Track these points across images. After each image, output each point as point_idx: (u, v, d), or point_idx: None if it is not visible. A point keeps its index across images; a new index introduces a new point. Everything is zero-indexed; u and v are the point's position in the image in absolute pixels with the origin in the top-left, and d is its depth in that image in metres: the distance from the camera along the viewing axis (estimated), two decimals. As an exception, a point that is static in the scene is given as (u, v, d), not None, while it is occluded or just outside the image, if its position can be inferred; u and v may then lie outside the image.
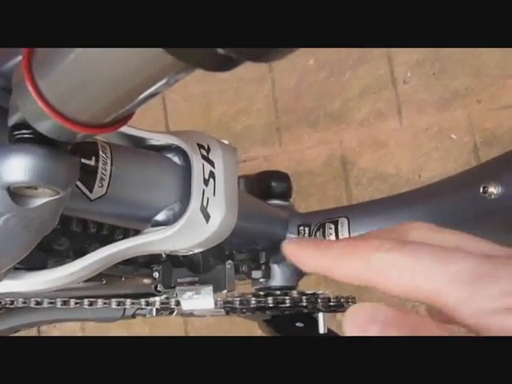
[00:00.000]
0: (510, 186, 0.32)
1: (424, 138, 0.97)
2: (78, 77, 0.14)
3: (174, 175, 0.29)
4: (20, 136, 0.17)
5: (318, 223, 0.52)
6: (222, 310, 0.42)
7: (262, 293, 0.48)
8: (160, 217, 0.29)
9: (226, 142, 0.44)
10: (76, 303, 0.51)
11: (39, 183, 0.17)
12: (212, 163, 0.29)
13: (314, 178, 1.00)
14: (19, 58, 0.19)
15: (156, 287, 0.45)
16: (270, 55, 0.11)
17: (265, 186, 0.55)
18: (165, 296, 0.48)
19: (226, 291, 0.41)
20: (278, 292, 0.48)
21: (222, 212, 0.28)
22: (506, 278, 0.16)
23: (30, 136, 0.17)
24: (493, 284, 0.16)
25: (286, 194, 0.56)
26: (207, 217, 0.28)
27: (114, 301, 0.50)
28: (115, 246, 0.28)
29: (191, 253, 0.30)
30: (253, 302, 0.45)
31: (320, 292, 0.48)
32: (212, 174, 0.29)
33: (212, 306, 0.40)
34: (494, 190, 0.33)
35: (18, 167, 0.17)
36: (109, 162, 0.26)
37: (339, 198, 0.97)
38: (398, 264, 0.17)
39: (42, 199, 0.19)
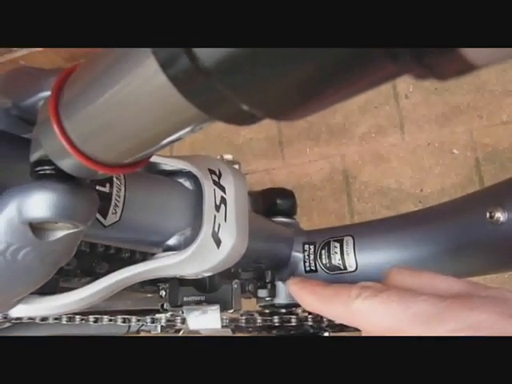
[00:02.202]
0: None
1: (425, 153, 0.97)
2: (103, 120, 0.14)
3: (185, 200, 0.29)
4: (42, 172, 0.18)
5: (323, 242, 0.52)
6: (229, 329, 0.42)
7: (267, 311, 0.48)
8: (172, 241, 0.29)
9: (230, 156, 0.44)
10: (81, 319, 0.51)
11: (61, 219, 0.18)
12: (223, 189, 0.29)
13: (315, 191, 1.00)
14: (42, 94, 0.19)
15: (162, 305, 0.45)
16: (289, 116, 0.11)
17: (270, 203, 0.56)
18: (170, 313, 0.48)
19: (232, 311, 0.42)
20: (284, 310, 0.48)
21: (233, 238, 0.28)
22: (454, 318, 0.19)
23: (52, 172, 0.17)
24: (442, 324, 0.19)
25: (290, 212, 0.56)
26: (218, 242, 0.28)
27: (119, 317, 0.50)
28: (127, 270, 0.28)
29: (200, 277, 0.30)
30: (259, 320, 0.45)
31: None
32: (223, 200, 0.29)
33: (219, 325, 0.40)
34: (500, 215, 0.33)
35: (41, 204, 0.17)
36: (122, 188, 0.26)
37: (341, 212, 0.97)
38: (372, 310, 0.21)
39: (61, 232, 0.19)
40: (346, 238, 0.51)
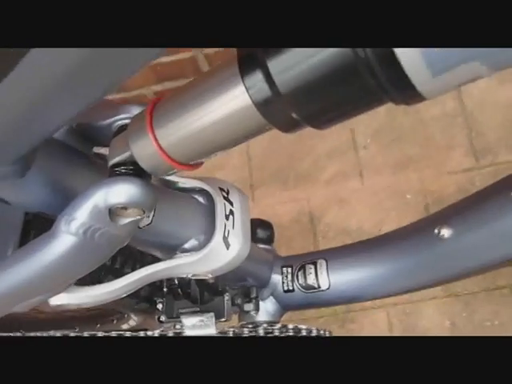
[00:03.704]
0: (459, 228, 0.40)
1: (383, 197, 1.08)
2: (189, 132, 0.21)
3: (200, 212, 0.36)
4: (124, 171, 0.24)
5: (299, 264, 0.59)
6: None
7: (250, 326, 0.54)
8: (187, 245, 0.35)
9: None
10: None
11: (136, 205, 0.24)
12: (231, 203, 0.36)
13: (283, 231, 1.08)
14: (118, 117, 0.26)
15: (159, 318, 0.50)
16: (324, 126, 0.19)
17: (251, 232, 0.62)
18: (162, 329, 0.53)
19: (224, 319, 0.47)
20: (265, 325, 0.54)
21: (240, 241, 0.35)
22: None
23: (130, 171, 0.24)
24: None
25: (269, 240, 0.63)
26: (228, 245, 0.35)
27: (114, 334, 0.54)
28: (152, 267, 0.34)
29: (211, 276, 0.36)
30: (245, 331, 0.50)
31: (302, 326, 0.55)
32: (231, 212, 0.36)
33: (214, 331, 0.45)
34: (446, 231, 0.42)
35: (124, 192, 0.23)
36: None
37: (307, 249, 1.04)
38: None
39: (128, 219, 0.25)
40: (319, 261, 0.58)
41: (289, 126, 0.19)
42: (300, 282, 0.57)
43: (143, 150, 0.23)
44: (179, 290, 0.50)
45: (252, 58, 0.18)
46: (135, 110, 0.26)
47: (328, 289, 0.55)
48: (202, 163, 0.24)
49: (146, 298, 0.52)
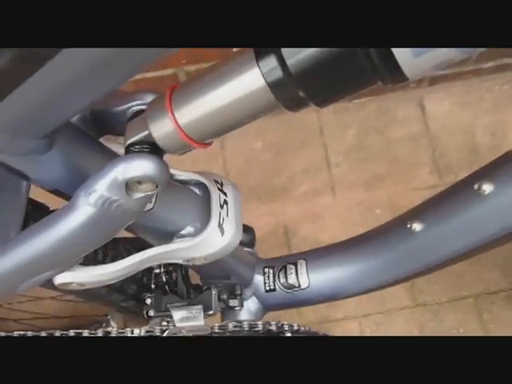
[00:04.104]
0: (429, 221, 0.45)
1: (354, 212, 1.13)
2: (206, 112, 0.24)
3: (196, 202, 0.39)
4: (141, 149, 0.27)
5: (281, 265, 0.62)
6: (208, 328, 0.49)
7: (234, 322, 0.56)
8: (184, 231, 0.38)
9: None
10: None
11: (152, 178, 0.26)
12: (225, 193, 0.39)
13: (260, 243, 1.11)
14: (133, 103, 0.29)
15: (147, 313, 0.51)
16: (325, 103, 0.22)
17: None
18: (148, 327, 0.54)
19: (212, 312, 0.49)
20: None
21: (233, 228, 0.38)
22: None
23: (147, 149, 0.26)
24: None
25: (251, 243, 0.66)
26: (222, 231, 0.38)
27: (100, 331, 0.55)
28: (153, 250, 0.36)
29: (207, 262, 0.39)
30: (231, 326, 0.52)
31: (284, 322, 0.57)
32: (225, 201, 0.39)
33: (202, 322, 0.47)
34: (417, 225, 0.46)
35: (141, 167, 0.26)
36: (156, 185, 0.35)
37: (283, 263, 1.08)
38: None
39: (141, 194, 0.27)
40: (299, 261, 0.61)
41: (296, 105, 0.23)
42: (281, 281, 0.60)
43: (162, 128, 0.26)
44: (166, 286, 0.52)
45: (266, 49, 0.21)
46: (149, 98, 0.29)
47: (308, 287, 0.58)
48: (212, 142, 0.27)
49: (133, 295, 0.54)
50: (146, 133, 0.27)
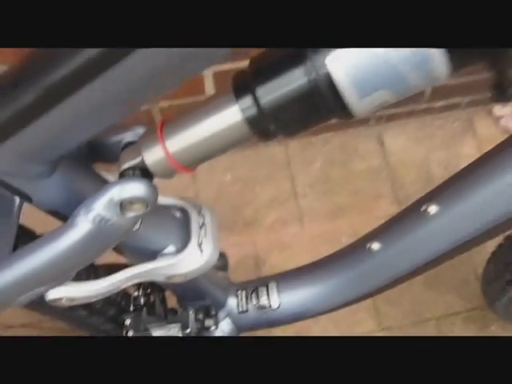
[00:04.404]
0: (385, 242, 0.50)
1: (321, 241, 1.18)
2: (193, 142, 0.29)
3: (177, 224, 0.43)
4: (133, 173, 0.31)
5: (253, 287, 0.66)
6: (186, 346, 0.52)
7: (210, 342, 0.59)
8: (166, 250, 0.42)
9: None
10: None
11: (144, 199, 0.30)
12: (203, 217, 0.44)
13: (230, 273, 1.14)
14: (125, 134, 0.33)
15: (127, 332, 0.53)
16: (292, 134, 0.27)
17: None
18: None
19: (189, 330, 0.52)
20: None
21: (211, 247, 0.42)
22: None
23: (139, 174, 0.31)
24: None
25: (224, 267, 0.70)
26: (201, 250, 0.42)
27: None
28: (139, 267, 0.40)
29: (186, 279, 0.42)
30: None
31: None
32: (204, 224, 0.43)
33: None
34: (375, 246, 0.51)
35: (135, 189, 0.30)
36: (142, 208, 0.39)
37: (253, 291, 1.11)
38: None
39: (133, 213, 0.31)
40: (270, 283, 0.65)
41: (267, 136, 0.28)
42: (253, 302, 0.64)
43: (154, 155, 0.30)
44: (145, 308, 0.55)
45: (244, 88, 0.26)
46: (139, 130, 0.33)
47: (278, 308, 0.62)
48: (195, 168, 0.32)
49: (112, 318, 0.56)
50: (138, 160, 0.31)
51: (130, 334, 0.53)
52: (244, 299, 0.64)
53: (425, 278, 0.64)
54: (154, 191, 0.31)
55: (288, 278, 0.64)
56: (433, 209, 0.44)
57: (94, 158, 0.36)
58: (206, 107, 0.28)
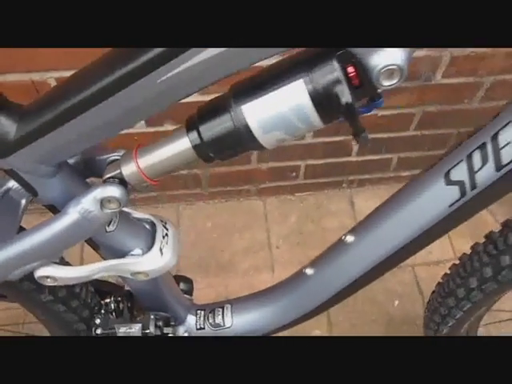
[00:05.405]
0: (318, 267, 0.61)
1: (288, 289, 1.28)
2: (157, 162, 0.41)
3: (145, 232, 0.54)
4: (113, 181, 0.42)
5: (210, 309, 0.75)
6: (144, 344, 0.60)
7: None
8: (134, 252, 0.52)
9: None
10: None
11: (119, 199, 0.42)
12: (167, 229, 0.55)
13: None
14: (111, 154, 0.46)
15: (95, 330, 0.63)
16: (226, 159, 0.40)
17: (176, 284, 0.79)
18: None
19: (149, 331, 0.61)
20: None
21: (170, 252, 0.53)
22: None
23: (117, 181, 0.42)
24: None
25: (190, 291, 0.80)
26: (162, 254, 0.52)
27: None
28: (110, 261, 0.50)
29: (147, 278, 0.53)
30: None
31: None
32: (167, 234, 0.54)
33: (140, 334, 0.59)
34: (309, 271, 0.62)
35: (114, 190, 0.41)
36: (117, 213, 0.51)
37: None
38: None
39: (109, 210, 0.42)
40: (226, 305, 0.75)
41: (208, 160, 0.40)
42: (210, 321, 0.73)
43: (130, 169, 0.42)
44: (114, 312, 0.65)
45: (192, 126, 0.39)
46: (121, 152, 0.46)
47: (231, 326, 0.72)
48: (159, 180, 0.44)
49: (85, 319, 0.65)
50: (118, 171, 0.43)
51: (98, 331, 0.62)
52: (202, 318, 0.73)
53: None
54: (126, 194, 0.43)
55: (241, 301, 0.73)
56: (349, 238, 0.56)
57: (87, 174, 0.48)
58: (168, 137, 0.41)
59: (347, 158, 1.36)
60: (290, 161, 1.33)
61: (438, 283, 0.80)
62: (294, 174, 1.39)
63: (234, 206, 1.45)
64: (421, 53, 1.01)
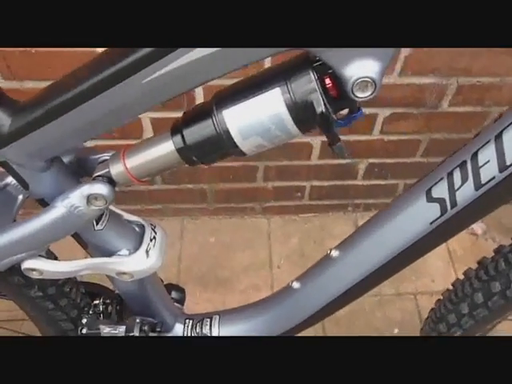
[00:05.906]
0: (304, 281, 0.61)
1: (286, 309, 1.27)
2: (142, 163, 0.42)
3: (134, 234, 0.55)
4: (101, 179, 0.44)
5: (199, 319, 0.75)
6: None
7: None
8: (121, 252, 0.54)
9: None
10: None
11: (105, 196, 0.43)
12: (156, 232, 0.56)
13: (198, 326, 1.22)
14: (102, 155, 0.48)
15: (81, 330, 0.63)
16: (208, 163, 0.41)
17: (168, 293, 0.79)
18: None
19: (133, 334, 0.62)
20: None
21: (156, 255, 0.54)
22: None
23: (105, 180, 0.44)
24: None
25: (181, 301, 0.80)
26: (148, 256, 0.53)
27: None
28: (97, 259, 0.52)
29: (132, 279, 0.54)
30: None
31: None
32: (154, 237, 0.55)
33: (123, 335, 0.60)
34: (295, 284, 0.62)
35: (101, 188, 0.43)
36: (108, 213, 0.52)
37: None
38: None
39: (95, 207, 0.44)
40: (214, 316, 0.75)
41: (192, 163, 0.41)
42: (197, 330, 0.73)
43: (117, 169, 0.44)
44: (102, 314, 0.66)
45: (176, 130, 0.41)
46: (111, 153, 0.47)
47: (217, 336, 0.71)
48: (147, 181, 0.45)
49: (72, 319, 0.66)
50: (106, 171, 0.44)
51: (84, 331, 0.63)
52: (190, 327, 0.74)
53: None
54: (113, 192, 0.44)
55: (229, 313, 0.74)
56: (334, 253, 0.56)
57: (81, 173, 0.50)
58: (153, 140, 0.42)
59: (353, 182, 1.37)
60: (295, 180, 1.34)
61: (431, 309, 0.79)
62: (299, 193, 1.40)
63: (237, 222, 1.46)
64: (427, 80, 1.03)
